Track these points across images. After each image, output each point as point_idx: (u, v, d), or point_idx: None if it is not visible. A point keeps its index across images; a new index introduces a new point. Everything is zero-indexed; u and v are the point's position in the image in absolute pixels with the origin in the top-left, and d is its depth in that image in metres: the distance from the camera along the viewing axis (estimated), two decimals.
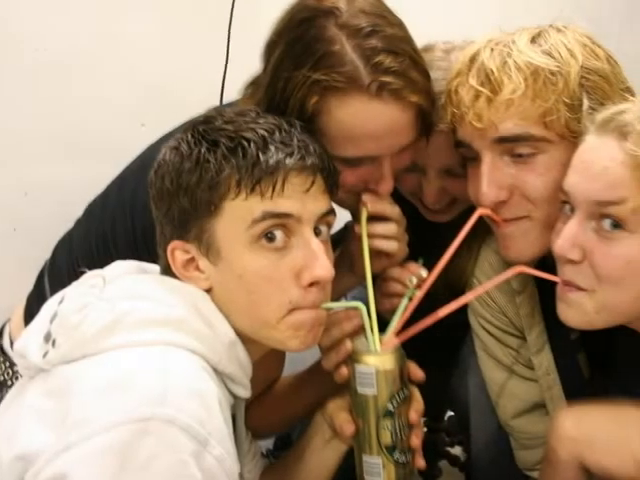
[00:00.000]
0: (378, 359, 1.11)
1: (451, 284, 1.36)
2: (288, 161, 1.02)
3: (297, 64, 1.17)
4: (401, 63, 1.16)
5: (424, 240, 1.32)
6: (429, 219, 1.42)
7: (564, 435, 1.13)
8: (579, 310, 1.09)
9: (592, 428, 1.12)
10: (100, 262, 1.14)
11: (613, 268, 1.05)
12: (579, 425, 1.13)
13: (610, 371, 1.27)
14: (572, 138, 1.14)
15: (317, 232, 1.06)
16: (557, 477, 1.15)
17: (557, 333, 1.32)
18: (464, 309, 1.42)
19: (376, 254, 1.24)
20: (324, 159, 1.08)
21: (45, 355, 0.97)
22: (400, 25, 1.22)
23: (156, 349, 0.95)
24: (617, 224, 1.04)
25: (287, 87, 1.18)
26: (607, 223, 1.05)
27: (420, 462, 1.16)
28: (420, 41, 1.27)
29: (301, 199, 1.03)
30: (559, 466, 1.13)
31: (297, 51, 1.18)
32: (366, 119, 1.17)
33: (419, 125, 1.23)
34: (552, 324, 1.26)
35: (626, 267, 1.04)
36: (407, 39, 1.22)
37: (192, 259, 1.05)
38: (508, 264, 1.23)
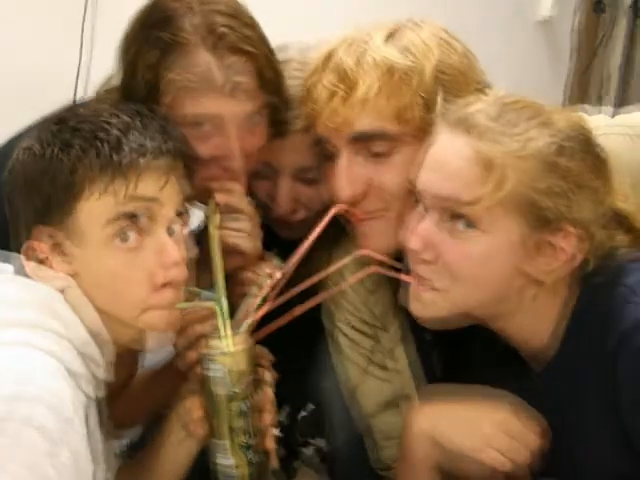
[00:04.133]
0: (231, 359, 1.09)
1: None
2: (142, 161, 1.02)
3: (152, 65, 1.19)
4: (239, 22, 1.21)
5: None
6: (282, 235, 1.42)
7: (418, 431, 1.14)
8: (432, 309, 1.10)
9: (445, 422, 1.13)
10: None
11: (466, 268, 1.05)
12: (432, 420, 1.14)
13: (463, 369, 1.29)
14: (428, 135, 1.14)
15: (170, 232, 1.06)
16: (412, 474, 1.16)
17: (412, 331, 1.33)
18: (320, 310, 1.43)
19: (229, 251, 1.23)
20: (178, 158, 1.08)
21: None
22: (254, 25, 1.25)
23: (11, 350, 0.94)
24: (470, 224, 1.04)
25: (143, 87, 1.21)
26: (460, 223, 1.05)
27: (274, 462, 1.15)
28: (275, 41, 1.29)
29: (154, 199, 1.04)
30: (414, 461, 1.15)
31: (152, 53, 1.20)
32: (204, 74, 1.20)
33: (262, 93, 1.25)
34: (407, 322, 1.27)
35: (479, 267, 1.05)
36: (261, 38, 1.25)
37: (46, 259, 1.04)
38: (362, 264, 1.24)
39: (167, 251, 1.04)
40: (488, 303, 1.08)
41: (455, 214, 1.05)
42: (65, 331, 0.99)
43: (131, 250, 1.02)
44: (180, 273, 1.04)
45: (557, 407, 1.10)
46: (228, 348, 1.10)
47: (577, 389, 1.08)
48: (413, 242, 1.08)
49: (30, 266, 1.03)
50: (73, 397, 0.95)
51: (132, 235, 1.02)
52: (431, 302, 1.09)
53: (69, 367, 0.99)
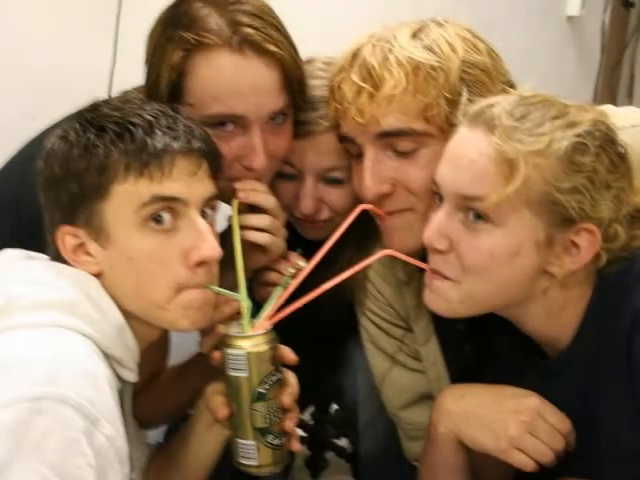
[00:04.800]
0: (249, 342, 1.10)
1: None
2: (175, 145, 1.05)
3: (176, 65, 1.23)
4: (264, 23, 1.23)
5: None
6: (305, 236, 1.42)
7: (443, 409, 1.16)
8: (443, 298, 1.11)
9: (470, 404, 1.15)
10: None
11: (477, 259, 1.06)
12: (458, 401, 1.16)
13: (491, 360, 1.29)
14: (453, 132, 1.14)
15: (204, 216, 1.09)
16: (437, 453, 1.18)
17: (444, 324, 1.33)
18: (352, 311, 1.44)
19: (251, 249, 1.24)
20: (209, 143, 1.11)
21: None
22: (279, 25, 1.26)
23: (47, 331, 0.97)
24: (482, 216, 1.05)
25: (167, 86, 1.24)
26: (472, 215, 1.06)
27: (295, 445, 1.15)
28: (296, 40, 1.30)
29: (188, 182, 1.06)
30: (438, 440, 1.17)
31: (176, 53, 1.23)
32: (229, 74, 1.22)
33: (286, 93, 1.26)
34: (439, 315, 1.28)
35: (490, 259, 1.06)
36: (286, 39, 1.27)
37: (82, 244, 1.06)
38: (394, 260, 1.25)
39: (201, 231, 1.06)
40: (498, 295, 1.09)
41: (467, 207, 1.06)
42: (100, 315, 1.02)
43: (166, 231, 1.05)
44: (213, 252, 1.06)
45: (575, 393, 1.11)
46: (246, 331, 1.11)
47: (594, 375, 1.09)
48: (428, 232, 1.10)
49: (66, 251, 1.06)
50: (109, 377, 0.99)
51: (167, 217, 1.04)
52: (441, 290, 1.10)
53: (105, 349, 1.02)
